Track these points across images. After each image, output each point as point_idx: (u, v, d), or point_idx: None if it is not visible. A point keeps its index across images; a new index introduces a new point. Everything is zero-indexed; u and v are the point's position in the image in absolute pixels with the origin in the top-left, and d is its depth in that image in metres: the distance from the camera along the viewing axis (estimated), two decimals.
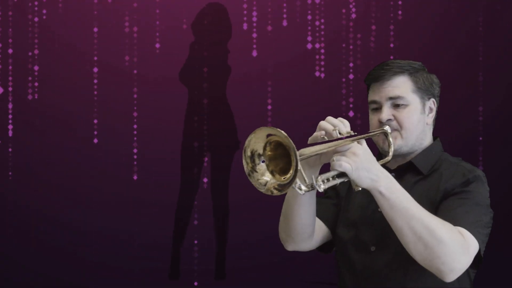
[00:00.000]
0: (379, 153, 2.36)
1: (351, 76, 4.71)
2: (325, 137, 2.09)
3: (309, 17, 4.68)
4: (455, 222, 2.11)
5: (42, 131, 4.63)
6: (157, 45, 4.67)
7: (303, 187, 1.96)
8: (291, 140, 1.87)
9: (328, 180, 2.03)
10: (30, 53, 4.58)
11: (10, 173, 4.62)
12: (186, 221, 4.70)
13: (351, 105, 4.74)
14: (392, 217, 2.07)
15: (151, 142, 4.68)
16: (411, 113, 2.30)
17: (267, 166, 1.96)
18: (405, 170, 2.33)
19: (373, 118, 2.34)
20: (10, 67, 4.61)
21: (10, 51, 4.59)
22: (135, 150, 4.67)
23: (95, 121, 4.65)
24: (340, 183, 2.07)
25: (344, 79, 4.71)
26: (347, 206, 2.38)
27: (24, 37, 4.60)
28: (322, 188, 1.99)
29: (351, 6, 4.66)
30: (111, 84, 4.64)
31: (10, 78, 4.58)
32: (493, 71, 4.48)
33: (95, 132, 4.66)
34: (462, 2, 4.64)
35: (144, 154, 4.68)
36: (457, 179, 2.24)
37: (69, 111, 4.64)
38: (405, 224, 2.06)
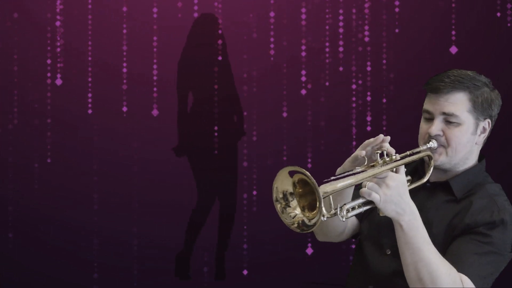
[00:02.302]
0: (422, 159, 2.31)
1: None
2: (366, 157, 2.13)
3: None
4: (462, 268, 2.12)
5: (41, 130, 4.62)
6: (154, 44, 4.66)
7: (326, 214, 1.97)
8: (314, 180, 1.92)
9: (353, 208, 2.08)
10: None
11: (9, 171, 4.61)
12: (202, 223, 4.71)
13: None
14: (404, 251, 2.10)
15: (153, 142, 4.68)
16: (461, 132, 2.24)
17: (298, 202, 2.01)
18: (440, 187, 2.30)
19: (423, 127, 2.29)
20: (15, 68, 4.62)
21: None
22: (134, 145, 4.67)
23: (90, 121, 4.63)
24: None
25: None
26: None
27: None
28: (345, 218, 2.04)
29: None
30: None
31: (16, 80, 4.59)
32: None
33: (94, 130, 4.64)
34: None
35: (145, 153, 4.68)
36: (483, 217, 2.19)
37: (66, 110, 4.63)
38: (412, 263, 2.09)
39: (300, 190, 2.00)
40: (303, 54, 4.64)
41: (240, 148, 4.68)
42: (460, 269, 2.12)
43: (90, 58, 4.62)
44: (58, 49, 4.59)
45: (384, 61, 4.61)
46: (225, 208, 4.74)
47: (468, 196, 2.27)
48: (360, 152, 2.15)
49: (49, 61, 4.59)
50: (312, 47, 4.65)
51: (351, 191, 2.23)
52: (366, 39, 4.50)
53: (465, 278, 2.12)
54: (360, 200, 2.08)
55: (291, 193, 2.00)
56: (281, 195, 2.01)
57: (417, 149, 2.25)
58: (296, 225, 1.99)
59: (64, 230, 4.57)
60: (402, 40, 4.62)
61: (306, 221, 1.98)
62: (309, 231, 2.01)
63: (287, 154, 4.68)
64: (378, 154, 2.11)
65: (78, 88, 4.63)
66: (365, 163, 2.13)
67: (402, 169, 2.11)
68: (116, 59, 4.64)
